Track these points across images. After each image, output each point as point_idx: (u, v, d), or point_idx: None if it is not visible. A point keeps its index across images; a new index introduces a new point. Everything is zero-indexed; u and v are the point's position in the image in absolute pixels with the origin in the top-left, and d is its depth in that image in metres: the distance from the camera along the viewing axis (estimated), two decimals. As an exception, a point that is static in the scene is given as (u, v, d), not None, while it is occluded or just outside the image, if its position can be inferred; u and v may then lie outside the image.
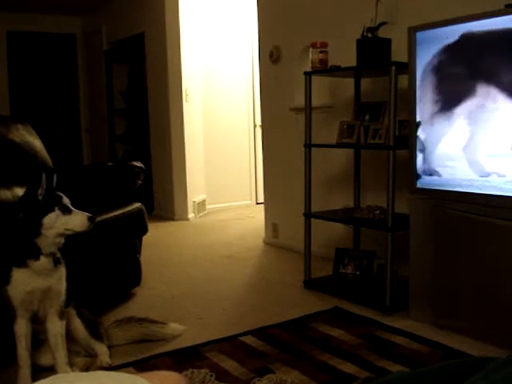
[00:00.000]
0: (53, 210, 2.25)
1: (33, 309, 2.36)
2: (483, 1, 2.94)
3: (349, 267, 3.77)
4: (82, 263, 3.03)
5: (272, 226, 5.12)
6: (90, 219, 2.31)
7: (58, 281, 2.37)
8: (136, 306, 3.46)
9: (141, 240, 3.75)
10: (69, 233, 2.31)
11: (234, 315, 3.32)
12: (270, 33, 4.94)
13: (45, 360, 2.48)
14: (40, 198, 2.25)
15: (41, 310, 2.38)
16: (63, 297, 2.41)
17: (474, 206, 2.77)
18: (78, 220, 2.30)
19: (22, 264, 2.27)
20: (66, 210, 2.28)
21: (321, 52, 3.60)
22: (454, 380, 1.14)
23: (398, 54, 3.35)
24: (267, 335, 2.93)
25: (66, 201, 2.31)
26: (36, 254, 2.27)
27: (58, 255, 2.34)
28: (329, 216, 3.79)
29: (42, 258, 2.28)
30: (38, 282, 2.31)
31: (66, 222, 2.28)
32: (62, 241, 2.34)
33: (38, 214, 2.25)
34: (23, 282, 2.29)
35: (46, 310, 2.39)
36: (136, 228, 3.61)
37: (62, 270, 2.39)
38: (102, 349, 2.62)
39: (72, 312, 2.57)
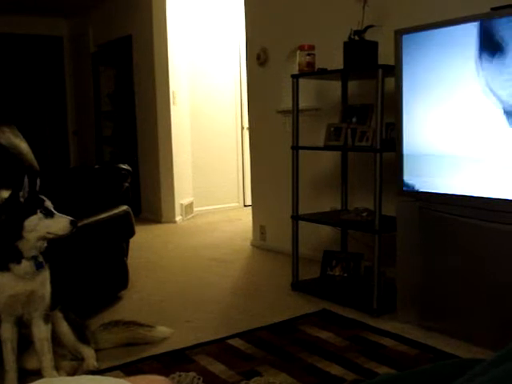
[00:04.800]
0: (35, 213, 2.23)
1: (17, 313, 2.34)
2: (469, 4, 2.97)
3: (336, 269, 3.78)
4: (69, 266, 3.01)
5: (259, 229, 5.12)
6: (72, 223, 2.28)
7: (42, 285, 2.35)
8: (123, 310, 3.44)
9: (128, 243, 3.73)
10: (50, 236, 2.28)
11: (222, 318, 3.32)
12: (258, 35, 4.94)
13: (31, 364, 2.45)
14: (22, 200, 2.22)
15: (25, 314, 2.36)
16: (48, 300, 2.39)
17: (459, 208, 2.79)
18: (59, 224, 2.27)
19: (4, 268, 2.25)
20: (48, 214, 2.25)
21: (308, 55, 3.60)
22: (441, 382, 1.15)
23: (385, 56, 3.36)
24: (255, 338, 2.93)
25: (49, 204, 2.28)
26: (17, 257, 2.25)
27: (41, 259, 2.32)
28: (316, 218, 3.79)
29: (24, 262, 2.26)
30: (20, 286, 2.28)
31: (47, 225, 2.25)
32: (44, 244, 2.31)
33: (20, 216, 2.22)
34: (6, 286, 2.26)
35: (31, 314, 2.37)
36: (123, 231, 3.60)
37: (46, 274, 2.37)
38: (89, 352, 2.60)
39: (59, 315, 2.55)
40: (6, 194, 2.29)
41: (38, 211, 2.24)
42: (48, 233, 2.26)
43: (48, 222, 2.25)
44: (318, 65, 3.62)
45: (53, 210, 2.28)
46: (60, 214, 2.29)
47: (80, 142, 8.53)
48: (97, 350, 2.68)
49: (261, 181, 5.10)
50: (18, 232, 2.22)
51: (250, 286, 4.01)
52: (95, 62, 7.65)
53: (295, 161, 3.73)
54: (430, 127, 2.90)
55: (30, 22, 7.88)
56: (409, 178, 3.01)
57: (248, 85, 5.23)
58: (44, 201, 2.28)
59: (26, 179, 2.23)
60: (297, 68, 3.67)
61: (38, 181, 2.37)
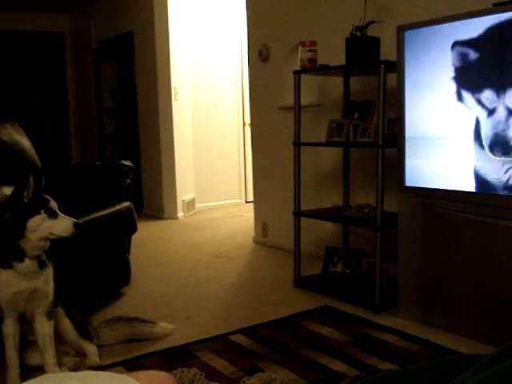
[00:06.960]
0: (38, 213, 2.22)
1: (20, 310, 2.35)
2: (472, 0, 2.95)
3: (338, 265, 3.78)
4: (71, 262, 3.01)
5: (261, 225, 5.12)
6: (76, 225, 2.28)
7: (45, 282, 2.35)
8: (125, 306, 3.45)
9: (130, 239, 3.74)
10: (53, 237, 2.28)
11: (224, 314, 3.32)
12: (259, 31, 4.93)
13: (34, 360, 2.46)
14: (26, 200, 2.22)
15: (28, 310, 2.37)
16: (51, 297, 2.39)
17: (461, 204, 2.79)
18: (63, 225, 2.26)
19: (7, 265, 2.25)
20: (51, 214, 2.25)
21: (310, 51, 3.60)
22: (443, 378, 1.15)
23: (387, 52, 3.36)
24: (257, 334, 2.93)
25: (53, 204, 2.28)
26: (20, 256, 2.25)
27: (44, 258, 2.32)
28: (318, 214, 3.79)
29: (27, 261, 2.26)
30: (23, 283, 2.28)
31: (50, 226, 2.24)
32: (48, 244, 2.30)
33: (23, 216, 2.21)
34: (8, 283, 2.27)
35: (34, 311, 2.37)
36: (125, 227, 3.60)
37: (49, 272, 2.37)
38: (91, 348, 2.60)
39: (61, 312, 2.56)
40: (7, 190, 2.29)
41: (42, 211, 2.23)
42: (51, 233, 2.26)
43: (51, 222, 2.25)
44: (320, 61, 3.62)
45: (57, 211, 2.28)
46: (64, 216, 2.29)
47: (82, 138, 8.53)
48: (99, 346, 2.69)
49: (263, 177, 5.10)
50: (20, 231, 2.22)
51: (251, 282, 4.02)
52: (97, 58, 7.64)
53: (297, 157, 3.73)
54: (431, 122, 2.89)
55: (31, 18, 7.88)
56: (410, 171, 3.01)
57: (250, 81, 5.23)
58: (49, 201, 2.27)
59: (31, 179, 2.22)
60: (299, 64, 3.66)
61: (43, 179, 2.36)
